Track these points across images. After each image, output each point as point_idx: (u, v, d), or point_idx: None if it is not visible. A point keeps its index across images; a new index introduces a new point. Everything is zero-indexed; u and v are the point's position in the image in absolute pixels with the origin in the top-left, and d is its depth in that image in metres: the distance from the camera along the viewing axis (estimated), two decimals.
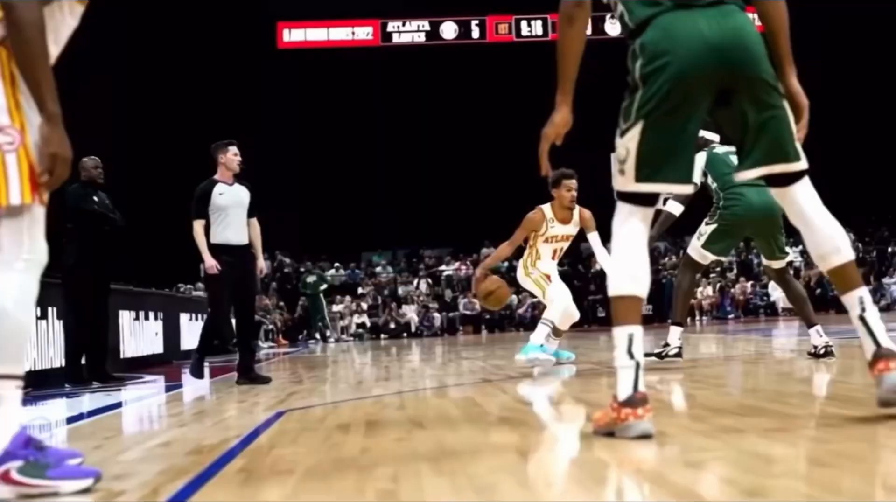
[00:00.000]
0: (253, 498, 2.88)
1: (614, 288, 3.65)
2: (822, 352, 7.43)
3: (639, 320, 3.62)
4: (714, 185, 7.79)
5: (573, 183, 8.70)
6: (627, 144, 3.62)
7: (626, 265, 3.64)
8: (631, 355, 3.52)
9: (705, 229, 7.76)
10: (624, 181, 3.66)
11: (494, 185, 33.38)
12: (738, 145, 3.73)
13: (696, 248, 7.89)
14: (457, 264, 31.94)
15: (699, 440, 3.53)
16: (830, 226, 3.69)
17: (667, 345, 7.65)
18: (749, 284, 29.87)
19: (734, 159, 7.40)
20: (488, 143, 33.70)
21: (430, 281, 31.07)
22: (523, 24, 34.96)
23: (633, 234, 3.67)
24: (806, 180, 3.72)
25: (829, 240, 3.67)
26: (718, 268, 30.52)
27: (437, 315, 28.87)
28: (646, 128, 3.56)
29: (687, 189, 3.77)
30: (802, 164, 3.69)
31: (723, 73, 3.55)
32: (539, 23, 34.91)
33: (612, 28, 32.38)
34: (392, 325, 28.34)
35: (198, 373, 8.87)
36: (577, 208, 8.76)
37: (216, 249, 8.60)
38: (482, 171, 33.60)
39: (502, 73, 33.75)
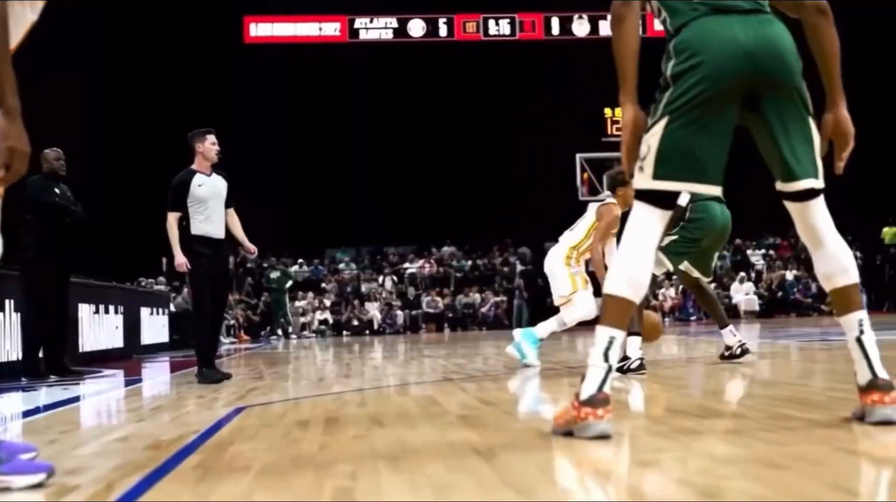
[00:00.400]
0: (208, 494, 2.86)
1: (610, 286, 3.63)
2: (738, 351, 7.51)
3: (625, 325, 3.62)
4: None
5: None
6: (650, 141, 3.62)
7: (629, 267, 3.62)
8: (606, 358, 3.53)
9: (666, 239, 7.71)
10: (642, 178, 3.64)
11: (458, 184, 33.44)
12: (766, 156, 3.70)
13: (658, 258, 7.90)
14: (421, 262, 31.95)
15: (657, 441, 3.54)
16: (839, 247, 3.71)
17: (626, 358, 7.14)
18: (712, 286, 30.00)
19: None
20: (453, 142, 33.75)
21: (395, 278, 31.05)
22: (491, 23, 35.04)
23: (643, 236, 3.65)
24: (821, 199, 3.71)
25: (836, 261, 3.70)
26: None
27: (399, 313, 28.85)
28: (669, 125, 3.57)
29: (712, 190, 3.66)
30: (821, 183, 3.69)
31: (753, 79, 3.56)
32: (506, 22, 35.00)
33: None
34: (355, 323, 28.30)
35: (214, 375, 8.21)
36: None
37: (197, 241, 8.34)
38: (447, 170, 33.65)
39: (470, 72, 33.81)
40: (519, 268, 31.08)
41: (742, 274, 30.29)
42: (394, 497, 2.71)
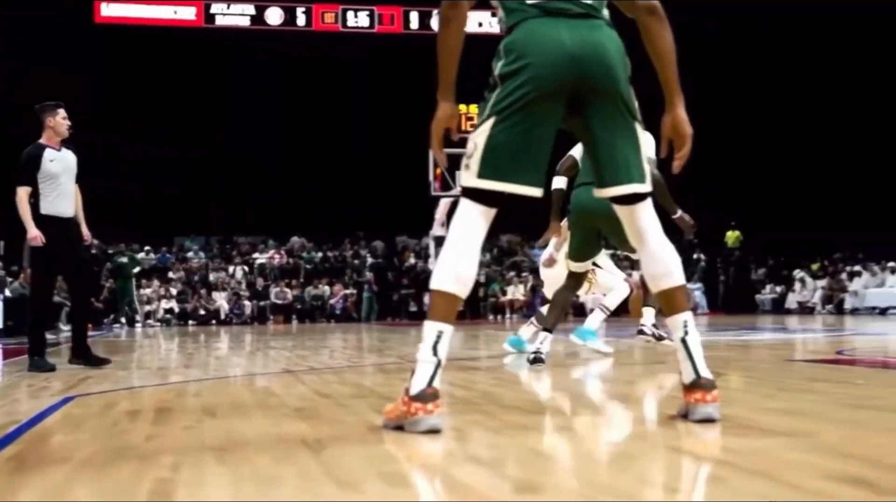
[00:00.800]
0: (20, 487, 2.76)
1: (437, 282, 3.68)
2: (531, 358, 7.31)
3: (452, 319, 3.66)
4: None
5: None
6: (476, 139, 3.66)
7: (455, 263, 3.66)
8: (435, 352, 3.58)
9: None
10: (467, 176, 3.68)
11: (311, 176, 33.21)
12: (591, 161, 3.76)
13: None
14: (271, 252, 31.61)
15: (488, 436, 3.58)
16: (665, 249, 3.80)
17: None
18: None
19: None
20: (307, 133, 33.50)
21: (245, 268, 30.64)
22: (350, 14, 34.88)
23: (469, 233, 3.69)
24: (648, 202, 3.79)
25: (662, 264, 3.78)
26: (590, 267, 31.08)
27: (248, 303, 28.49)
28: (496, 125, 3.60)
29: (532, 192, 3.66)
30: (647, 188, 3.77)
31: (578, 83, 3.60)
32: (365, 14, 34.89)
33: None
34: (201, 312, 27.82)
35: (45, 364, 7.90)
36: None
37: (47, 221, 8.00)
38: (300, 161, 33.39)
39: (327, 63, 33.59)
40: (370, 260, 31.08)
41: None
42: (215, 489, 2.67)
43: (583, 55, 3.60)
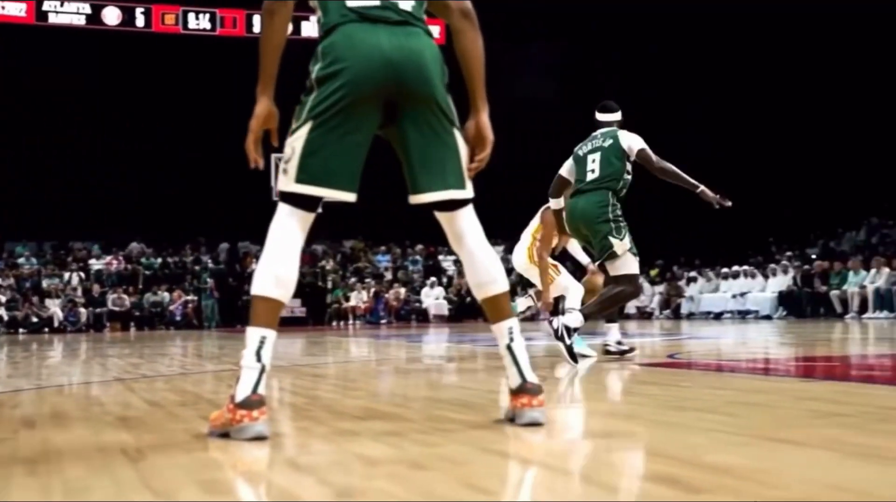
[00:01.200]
0: None
1: (257, 287, 3.65)
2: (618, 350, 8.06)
3: (275, 325, 3.63)
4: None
5: None
6: (294, 144, 3.62)
7: (275, 268, 3.64)
8: (259, 358, 3.54)
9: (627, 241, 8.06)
10: (285, 181, 3.66)
11: (152, 179, 32.55)
12: (406, 167, 3.73)
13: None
14: (108, 258, 30.75)
15: (315, 443, 3.55)
16: (488, 257, 3.81)
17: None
18: (403, 290, 30.63)
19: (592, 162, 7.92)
20: (148, 136, 32.82)
21: (82, 275, 29.72)
22: (191, 16, 34.23)
23: (287, 237, 3.68)
24: (469, 209, 3.81)
25: (486, 271, 3.79)
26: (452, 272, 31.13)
27: (83, 310, 27.65)
28: (313, 130, 3.58)
29: (347, 197, 3.64)
30: (465, 194, 3.78)
31: (393, 89, 3.60)
32: (207, 17, 34.30)
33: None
34: (33, 320, 26.86)
35: None
36: None
37: None
38: (139, 165, 32.69)
39: (169, 65, 33.02)
40: (211, 266, 30.59)
41: (433, 278, 31.07)
42: (23, 500, 2.56)
43: (400, 61, 3.61)
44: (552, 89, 34.15)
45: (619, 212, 7.86)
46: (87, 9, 33.40)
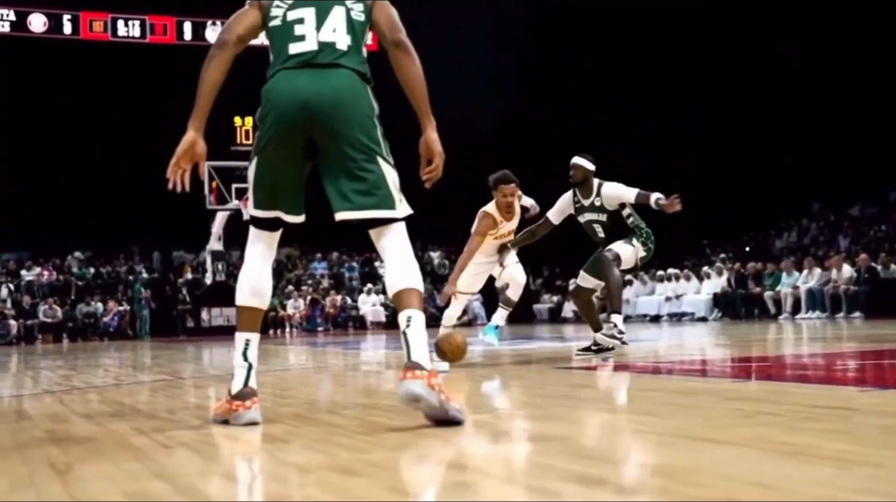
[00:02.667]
0: None
1: (238, 299, 4.38)
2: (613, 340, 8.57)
3: (257, 328, 4.39)
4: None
5: (510, 188, 8.42)
6: (249, 175, 4.29)
7: (251, 281, 4.36)
8: (245, 357, 4.29)
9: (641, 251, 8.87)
10: (249, 206, 4.36)
11: (83, 188, 32.13)
12: (333, 191, 4.16)
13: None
14: (38, 269, 30.25)
15: (246, 451, 3.55)
16: (404, 263, 4.17)
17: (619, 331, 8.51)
18: (339, 297, 30.53)
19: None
20: (78, 144, 32.39)
21: (11, 287, 29.19)
22: (120, 23, 33.71)
23: (258, 253, 4.40)
24: (394, 226, 4.21)
25: (397, 274, 4.14)
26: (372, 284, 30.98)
27: (13, 322, 27.15)
28: (259, 163, 4.21)
29: (294, 219, 4.31)
30: (389, 214, 4.18)
31: (311, 126, 4.10)
32: (137, 24, 33.83)
33: None
34: None
35: None
36: (517, 203, 8.56)
37: None
38: (71, 173, 32.23)
39: (96, 72, 32.61)
40: (144, 276, 30.26)
41: (369, 285, 31.01)
42: None
43: (316, 102, 4.10)
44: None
45: (639, 222, 8.92)
46: (11, 15, 32.73)
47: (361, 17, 4.29)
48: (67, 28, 33.18)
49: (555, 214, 9.01)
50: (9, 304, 28.08)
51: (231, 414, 4.22)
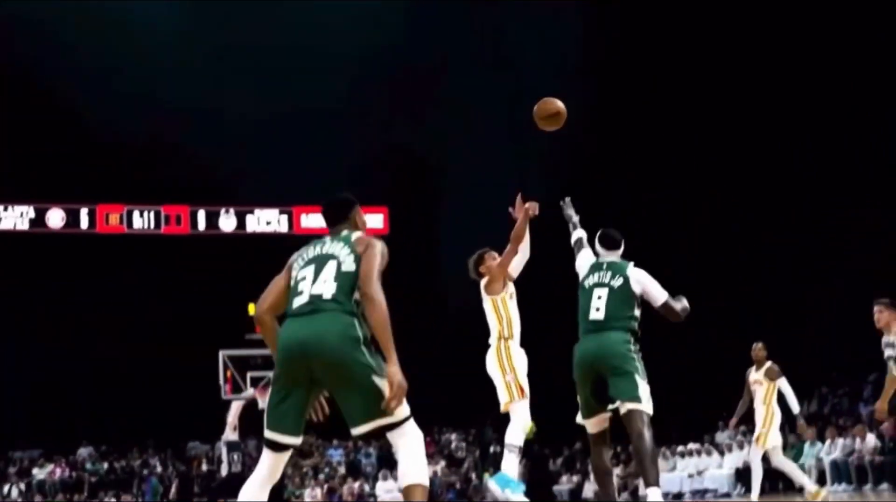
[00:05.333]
0: None
1: None
2: None
3: None
4: None
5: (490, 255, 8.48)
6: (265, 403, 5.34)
7: (242, 494, 5.31)
8: None
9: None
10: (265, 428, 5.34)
11: (96, 382, 32.04)
12: (344, 412, 5.24)
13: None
14: (51, 466, 29.77)
15: None
16: (413, 461, 5.20)
17: None
18: (357, 484, 29.95)
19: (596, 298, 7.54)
20: (90, 337, 32.40)
21: (22, 487, 28.65)
22: (135, 214, 33.88)
23: (258, 477, 5.35)
24: (402, 427, 5.20)
25: (405, 470, 5.20)
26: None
27: None
28: (272, 393, 5.31)
29: (293, 442, 5.34)
30: (390, 419, 5.17)
31: (307, 362, 5.19)
32: (151, 214, 33.99)
33: None
34: None
35: None
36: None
37: None
38: (82, 367, 32.18)
39: (112, 262, 32.89)
40: (159, 470, 29.84)
41: (385, 470, 30.39)
42: None
43: (306, 343, 5.18)
44: None
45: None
46: (31, 213, 33.08)
47: (352, 268, 5.31)
48: (84, 222, 33.44)
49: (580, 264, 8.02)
50: None
51: None
